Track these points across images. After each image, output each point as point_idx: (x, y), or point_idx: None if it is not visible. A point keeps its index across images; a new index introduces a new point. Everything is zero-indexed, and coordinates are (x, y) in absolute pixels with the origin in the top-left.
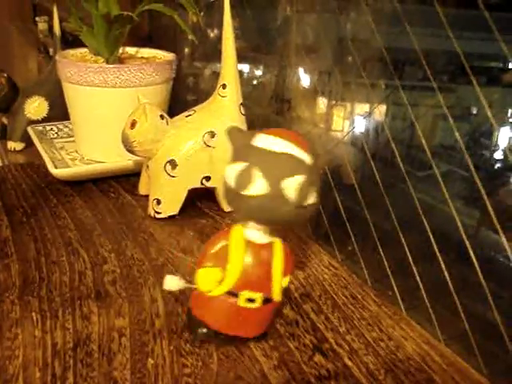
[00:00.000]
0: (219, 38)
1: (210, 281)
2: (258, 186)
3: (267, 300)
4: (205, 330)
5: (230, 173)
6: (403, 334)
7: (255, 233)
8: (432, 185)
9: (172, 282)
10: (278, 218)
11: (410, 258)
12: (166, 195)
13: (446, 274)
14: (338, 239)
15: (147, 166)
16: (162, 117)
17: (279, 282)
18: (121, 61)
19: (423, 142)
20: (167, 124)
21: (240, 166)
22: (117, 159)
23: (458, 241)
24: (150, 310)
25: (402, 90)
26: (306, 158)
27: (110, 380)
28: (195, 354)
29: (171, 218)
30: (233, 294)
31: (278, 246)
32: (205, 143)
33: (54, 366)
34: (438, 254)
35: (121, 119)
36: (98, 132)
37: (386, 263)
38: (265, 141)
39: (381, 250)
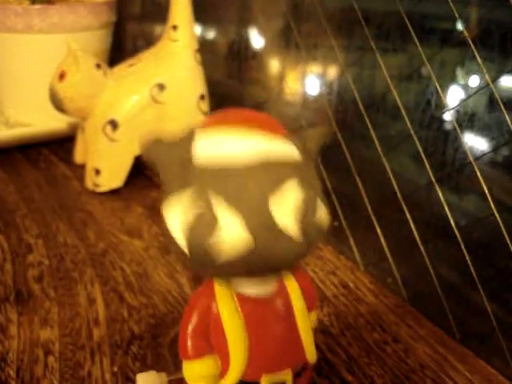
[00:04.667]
0: None
1: (202, 377)
2: (228, 224)
3: (301, 370)
4: None
5: (172, 219)
6: (411, 333)
7: (251, 286)
8: None
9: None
10: (279, 261)
11: (416, 236)
12: (107, 164)
13: (467, 257)
14: None
15: (82, 129)
16: (98, 66)
17: (310, 335)
18: (49, 2)
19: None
20: (105, 75)
21: (187, 199)
22: (48, 121)
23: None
24: (86, 314)
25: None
26: (292, 152)
27: None
28: None
29: (114, 191)
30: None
31: (291, 283)
32: (152, 98)
33: None
34: (456, 232)
35: (50, 72)
36: (24, 88)
37: (383, 243)
38: (216, 146)
39: (377, 226)
